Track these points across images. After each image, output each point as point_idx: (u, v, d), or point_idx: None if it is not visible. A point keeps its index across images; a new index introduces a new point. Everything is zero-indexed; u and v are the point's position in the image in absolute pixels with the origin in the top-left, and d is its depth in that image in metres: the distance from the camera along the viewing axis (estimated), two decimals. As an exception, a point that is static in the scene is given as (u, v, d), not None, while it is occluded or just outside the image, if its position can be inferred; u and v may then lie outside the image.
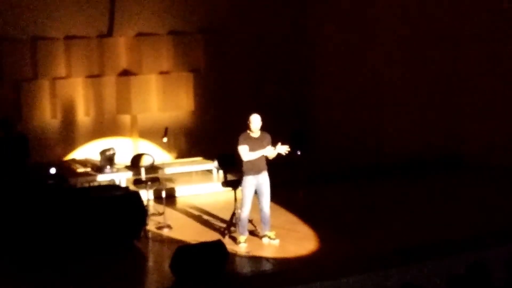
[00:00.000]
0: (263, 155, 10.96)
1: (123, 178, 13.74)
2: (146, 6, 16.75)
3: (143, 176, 13.30)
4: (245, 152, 10.84)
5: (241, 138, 10.90)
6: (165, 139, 13.10)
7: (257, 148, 10.88)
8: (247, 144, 10.85)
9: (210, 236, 11.28)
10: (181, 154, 16.79)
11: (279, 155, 10.98)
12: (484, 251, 10.32)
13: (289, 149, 10.97)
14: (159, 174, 14.46)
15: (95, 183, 13.29)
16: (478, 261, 8.74)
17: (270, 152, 10.88)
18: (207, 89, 17.29)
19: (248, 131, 10.93)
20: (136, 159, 13.77)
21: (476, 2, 15.84)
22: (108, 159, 13.71)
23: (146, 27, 16.71)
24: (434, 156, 16.17)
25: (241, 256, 10.59)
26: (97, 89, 16.24)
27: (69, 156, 16.02)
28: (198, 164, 15.73)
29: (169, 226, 12.00)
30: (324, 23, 18.14)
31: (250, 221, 11.34)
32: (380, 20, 17.26)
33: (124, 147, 16.06)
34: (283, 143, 11.00)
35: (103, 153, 13.84)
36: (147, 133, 16.57)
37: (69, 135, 16.16)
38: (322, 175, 15.41)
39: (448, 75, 16.37)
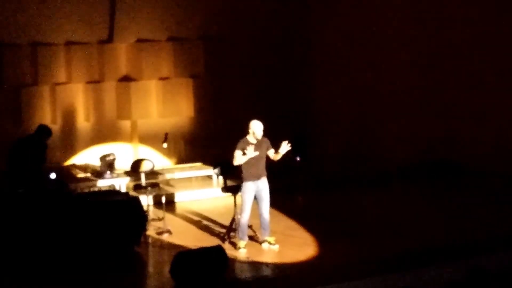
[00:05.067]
0: (263, 161, 10.99)
1: (123, 184, 13.76)
2: (146, 12, 16.79)
3: (143, 181, 13.32)
4: (236, 157, 10.88)
5: (239, 143, 10.94)
6: (165, 145, 13.13)
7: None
8: (242, 149, 10.87)
9: (210, 241, 11.30)
10: (181, 160, 16.81)
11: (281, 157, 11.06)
12: (484, 258, 10.33)
13: (290, 147, 10.95)
14: (159, 180, 14.48)
15: (95, 189, 13.31)
16: (477, 268, 8.77)
17: (251, 154, 10.87)
18: (207, 94, 17.33)
19: (247, 137, 10.96)
20: (136, 164, 13.78)
21: (477, 7, 15.86)
22: (108, 165, 13.74)
23: (146, 33, 16.75)
24: (433, 162, 16.18)
25: (241, 262, 10.61)
26: (97, 94, 16.28)
27: (69, 162, 16.04)
28: (198, 169, 15.76)
29: (169, 231, 12.02)
30: (324, 29, 18.18)
31: (250, 226, 11.36)
32: (379, 27, 17.29)
33: (124, 153, 16.09)
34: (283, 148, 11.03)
35: (103, 158, 13.87)
36: (147, 139, 16.60)
37: (69, 140, 16.18)
38: (322, 181, 15.43)
39: (447, 80, 16.39)
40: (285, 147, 10.90)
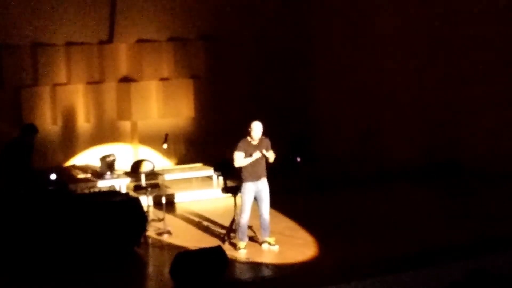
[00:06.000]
0: (263, 162, 11.00)
1: (123, 184, 13.76)
2: (146, 12, 16.78)
3: (143, 182, 13.33)
4: (238, 158, 10.88)
5: (239, 144, 10.95)
6: (165, 145, 13.12)
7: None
8: (245, 150, 10.89)
9: (210, 242, 11.30)
10: (181, 160, 16.81)
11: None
12: (484, 258, 10.33)
13: (273, 159, 10.98)
14: (159, 180, 14.48)
15: (95, 189, 13.30)
16: (477, 268, 8.77)
17: (257, 155, 10.87)
18: (207, 95, 17.32)
19: (248, 138, 10.96)
20: (136, 165, 13.79)
21: (478, 8, 15.86)
22: (108, 165, 13.74)
23: (146, 34, 16.74)
24: (434, 163, 16.16)
25: (240, 262, 10.61)
26: (97, 95, 16.27)
27: (70, 162, 16.03)
28: (198, 170, 15.76)
29: (169, 232, 12.02)
30: (325, 29, 18.17)
31: (250, 227, 11.37)
32: (381, 27, 17.29)
33: (124, 153, 16.08)
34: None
35: (103, 159, 13.87)
36: (147, 139, 16.58)
37: (70, 141, 16.17)
38: (322, 182, 15.42)
39: (448, 80, 16.38)
40: (270, 155, 10.91)
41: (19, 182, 11.77)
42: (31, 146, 12.41)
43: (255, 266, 10.50)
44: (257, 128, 10.89)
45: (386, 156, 16.75)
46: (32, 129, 12.57)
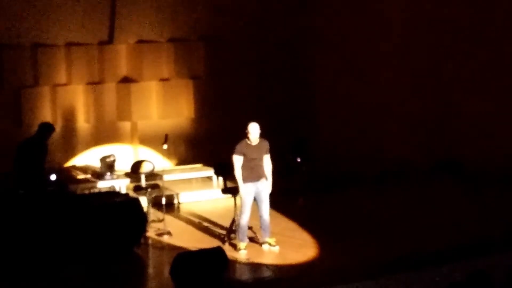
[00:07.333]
0: (261, 163, 10.99)
1: (123, 185, 13.75)
2: (146, 13, 16.76)
3: (143, 182, 13.31)
4: (236, 164, 10.87)
5: (238, 146, 10.94)
6: (165, 146, 13.12)
7: (254, 155, 10.91)
8: (244, 152, 10.88)
9: (210, 242, 11.29)
10: (181, 161, 16.80)
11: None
12: (485, 258, 10.32)
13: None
14: (159, 181, 14.46)
15: (95, 190, 13.31)
16: (479, 268, 8.74)
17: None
18: (207, 96, 17.30)
19: (246, 139, 10.95)
20: (136, 165, 13.76)
21: (474, 8, 15.86)
22: (108, 166, 13.74)
23: (146, 34, 16.73)
24: (435, 163, 16.16)
25: (241, 263, 10.61)
26: (97, 96, 16.25)
27: (70, 163, 16.02)
28: (198, 171, 15.75)
29: (169, 233, 12.01)
30: (325, 29, 18.16)
31: (250, 228, 11.36)
32: (379, 28, 17.29)
33: (124, 154, 16.06)
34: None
35: (103, 159, 13.86)
36: (147, 140, 16.57)
37: (70, 141, 16.15)
38: (322, 182, 15.42)
39: (448, 81, 16.38)
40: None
41: (34, 181, 11.69)
42: (46, 145, 12.32)
43: (256, 267, 10.50)
44: (254, 130, 10.87)
45: (386, 156, 16.73)
46: (49, 128, 12.47)
